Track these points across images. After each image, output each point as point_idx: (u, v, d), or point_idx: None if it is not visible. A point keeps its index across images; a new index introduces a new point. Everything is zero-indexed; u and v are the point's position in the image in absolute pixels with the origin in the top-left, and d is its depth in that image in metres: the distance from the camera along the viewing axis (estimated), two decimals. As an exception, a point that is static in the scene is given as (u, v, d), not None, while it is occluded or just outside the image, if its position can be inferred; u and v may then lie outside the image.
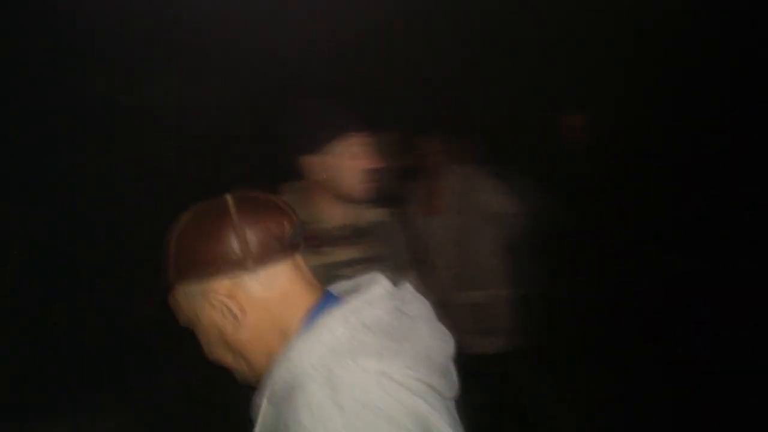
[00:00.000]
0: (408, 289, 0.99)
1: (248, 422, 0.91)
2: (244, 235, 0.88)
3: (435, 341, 0.93)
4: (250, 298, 0.89)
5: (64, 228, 4.25)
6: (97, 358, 3.62)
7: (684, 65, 4.89)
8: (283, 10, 4.60)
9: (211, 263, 0.87)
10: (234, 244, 0.87)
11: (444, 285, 3.06)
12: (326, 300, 0.92)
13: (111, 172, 4.65)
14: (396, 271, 1.75)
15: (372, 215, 1.84)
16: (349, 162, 1.72)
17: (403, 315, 0.92)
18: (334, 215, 1.76)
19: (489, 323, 3.07)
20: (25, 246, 4.28)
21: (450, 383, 0.94)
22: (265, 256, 0.89)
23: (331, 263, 1.65)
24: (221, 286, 0.88)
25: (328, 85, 4.38)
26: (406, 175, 3.25)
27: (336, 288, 0.99)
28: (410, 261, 1.90)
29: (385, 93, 4.84)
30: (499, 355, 3.04)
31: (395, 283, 0.97)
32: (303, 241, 0.95)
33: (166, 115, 5.03)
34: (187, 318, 0.95)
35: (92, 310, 4.04)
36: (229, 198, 0.93)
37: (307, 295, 0.92)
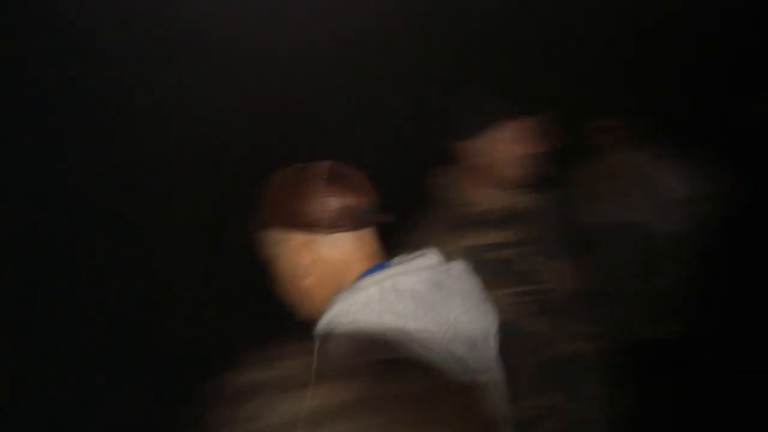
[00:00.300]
0: (455, 267, 1.11)
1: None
2: (324, 203, 1.03)
3: (468, 316, 1.04)
4: (318, 254, 1.06)
5: (65, 228, 4.26)
6: (98, 358, 3.63)
7: None
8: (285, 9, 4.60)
9: (294, 218, 1.04)
10: (315, 208, 1.03)
11: (613, 271, 2.97)
12: (377, 267, 1.06)
13: (111, 172, 4.66)
14: (549, 256, 1.73)
15: (526, 199, 1.80)
16: (505, 147, 1.70)
17: (440, 288, 1.04)
18: (486, 199, 1.74)
19: (660, 310, 2.99)
20: (25, 246, 4.28)
21: (479, 357, 1.03)
22: (338, 224, 1.04)
23: (482, 246, 1.65)
24: (298, 238, 1.06)
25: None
26: (565, 158, 3.14)
27: (395, 259, 1.11)
28: (566, 246, 1.84)
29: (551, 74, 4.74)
30: (667, 341, 2.97)
31: (446, 259, 1.11)
32: (375, 219, 1.10)
33: (166, 115, 5.04)
34: (267, 256, 1.13)
35: (92, 310, 4.04)
36: (324, 166, 1.08)
37: (365, 262, 1.07)
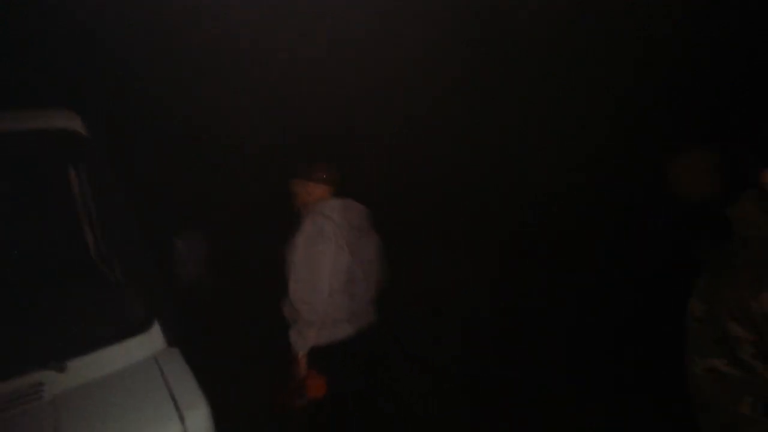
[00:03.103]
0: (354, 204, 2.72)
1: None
2: (316, 176, 2.68)
3: (353, 216, 2.70)
4: (312, 190, 2.70)
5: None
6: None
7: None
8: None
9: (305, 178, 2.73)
10: (313, 175, 2.69)
11: None
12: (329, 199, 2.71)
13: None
14: None
15: None
16: None
17: (348, 208, 2.68)
18: None
19: None
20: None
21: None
22: (320, 180, 2.68)
23: None
24: (302, 183, 2.77)
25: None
26: None
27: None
28: None
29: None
30: None
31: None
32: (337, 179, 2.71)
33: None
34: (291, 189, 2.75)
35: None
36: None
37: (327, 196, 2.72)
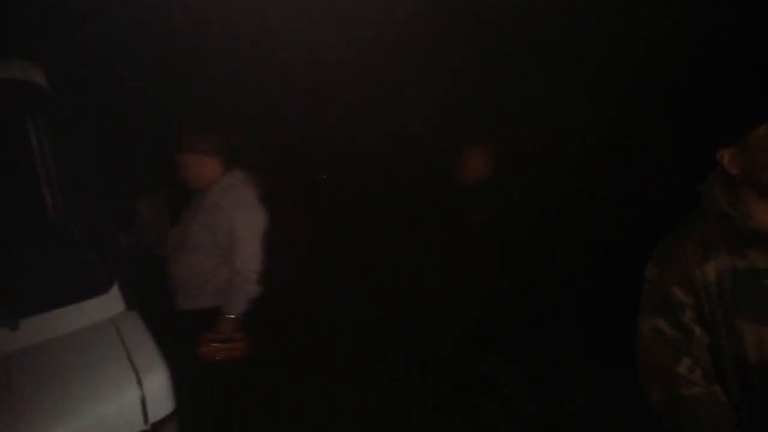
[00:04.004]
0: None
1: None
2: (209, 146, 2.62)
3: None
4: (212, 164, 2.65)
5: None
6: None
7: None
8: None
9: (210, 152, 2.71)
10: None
11: None
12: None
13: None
14: None
15: None
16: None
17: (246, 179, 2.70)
18: (761, 216, 1.45)
19: None
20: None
21: None
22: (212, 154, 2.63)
23: (754, 269, 1.40)
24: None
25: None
26: None
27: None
28: None
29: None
30: None
31: None
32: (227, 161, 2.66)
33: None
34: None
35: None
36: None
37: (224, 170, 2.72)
